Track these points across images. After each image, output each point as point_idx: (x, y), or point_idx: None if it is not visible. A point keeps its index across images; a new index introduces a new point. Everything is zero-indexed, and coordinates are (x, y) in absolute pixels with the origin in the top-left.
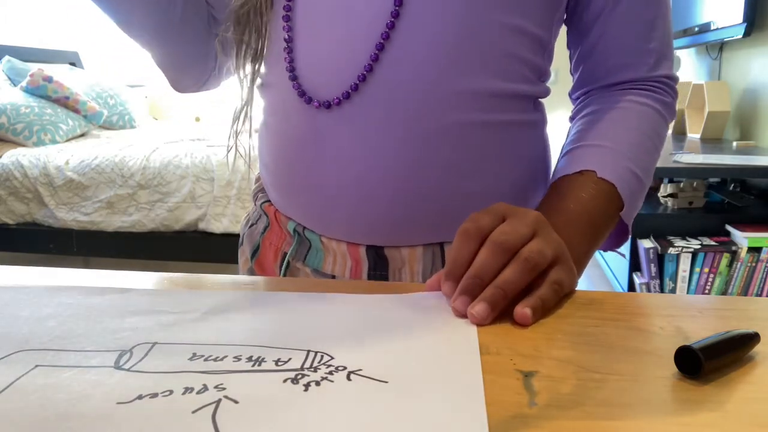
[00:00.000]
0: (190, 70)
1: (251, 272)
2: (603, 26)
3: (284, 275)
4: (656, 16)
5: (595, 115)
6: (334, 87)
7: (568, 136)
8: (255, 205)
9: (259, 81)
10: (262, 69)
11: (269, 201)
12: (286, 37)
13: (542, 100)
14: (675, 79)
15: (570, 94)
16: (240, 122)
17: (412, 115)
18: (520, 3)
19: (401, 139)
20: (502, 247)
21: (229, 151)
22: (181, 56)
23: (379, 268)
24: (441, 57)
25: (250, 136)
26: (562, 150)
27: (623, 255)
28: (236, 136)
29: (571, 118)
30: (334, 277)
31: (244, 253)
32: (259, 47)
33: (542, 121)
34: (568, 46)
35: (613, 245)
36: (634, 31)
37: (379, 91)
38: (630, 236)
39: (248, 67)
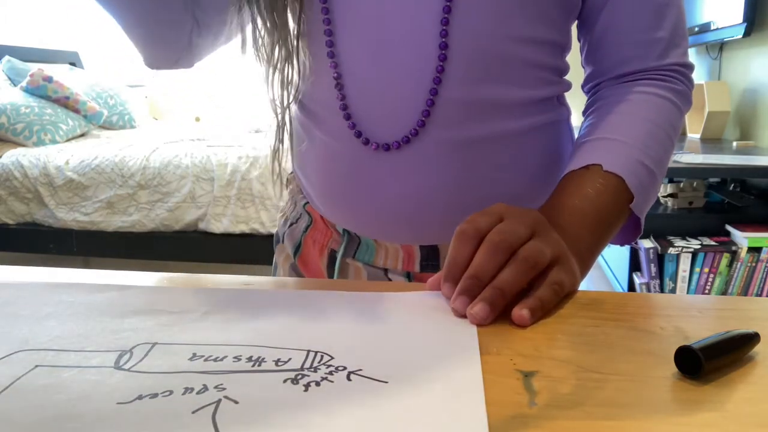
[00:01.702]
0: (163, 41)
1: (294, 268)
2: (609, 16)
3: (336, 272)
4: (664, 4)
5: (603, 109)
6: (393, 129)
7: (579, 131)
8: (294, 205)
9: (300, 94)
10: (305, 89)
11: (309, 203)
12: (335, 74)
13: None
14: (688, 67)
15: (582, 87)
16: (280, 147)
17: (461, 136)
18: (543, 15)
19: (451, 161)
20: (500, 247)
21: (274, 183)
22: (157, 24)
23: (431, 259)
24: (484, 78)
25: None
26: (574, 146)
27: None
28: (280, 164)
29: (584, 112)
30: (386, 270)
31: (284, 250)
32: (297, 78)
33: (567, 113)
34: (579, 39)
35: (626, 239)
36: (640, 21)
37: (436, 129)
38: (643, 229)
39: (285, 95)
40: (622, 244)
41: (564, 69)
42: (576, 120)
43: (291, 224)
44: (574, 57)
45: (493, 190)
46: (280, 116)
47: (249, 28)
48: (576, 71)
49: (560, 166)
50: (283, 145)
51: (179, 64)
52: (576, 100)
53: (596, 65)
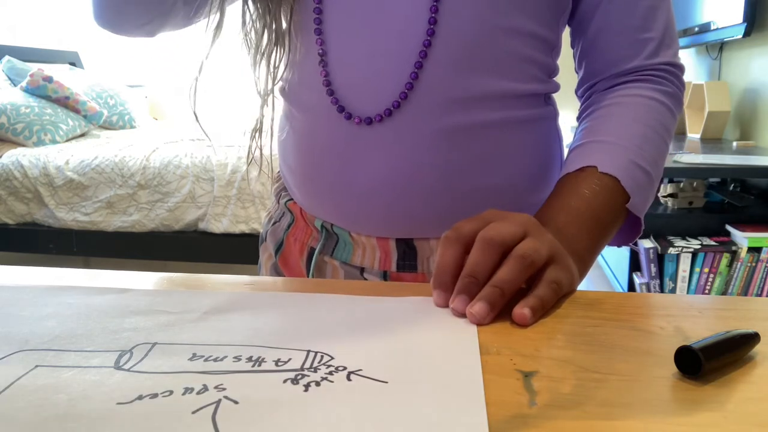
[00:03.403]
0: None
1: (275, 268)
2: (600, 20)
3: (311, 269)
4: (653, 6)
5: (595, 112)
6: (374, 103)
7: (574, 135)
8: (278, 203)
9: (281, 84)
10: (288, 75)
11: (293, 199)
12: (320, 51)
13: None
14: (679, 67)
15: (576, 92)
16: (259, 134)
17: (444, 120)
18: (533, 8)
19: (432, 143)
20: (493, 242)
21: (249, 164)
22: None
23: (408, 258)
24: (471, 65)
25: (266, 147)
26: (569, 150)
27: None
28: (260, 150)
29: (578, 118)
30: (362, 269)
31: (267, 249)
32: (285, 60)
33: (554, 113)
34: (572, 45)
35: (625, 241)
36: (630, 22)
37: (419, 105)
38: (643, 229)
39: (269, 79)
40: (620, 245)
41: (553, 69)
42: (564, 122)
43: (274, 222)
44: (564, 62)
45: (472, 180)
46: (263, 98)
47: (238, 13)
48: (566, 76)
49: (546, 165)
50: (261, 130)
51: (143, 30)
52: (565, 104)
53: (588, 67)
